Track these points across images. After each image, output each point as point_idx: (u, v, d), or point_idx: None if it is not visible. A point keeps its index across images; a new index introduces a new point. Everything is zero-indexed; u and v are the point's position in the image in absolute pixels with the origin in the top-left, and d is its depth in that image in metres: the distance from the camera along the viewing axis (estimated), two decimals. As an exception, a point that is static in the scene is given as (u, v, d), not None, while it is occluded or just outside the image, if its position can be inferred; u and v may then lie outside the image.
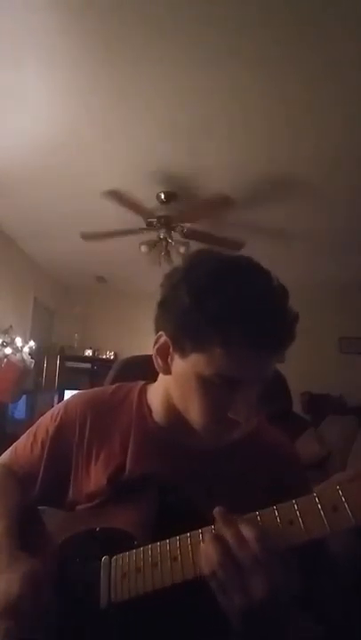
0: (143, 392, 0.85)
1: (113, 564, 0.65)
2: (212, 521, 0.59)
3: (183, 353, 0.67)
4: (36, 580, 0.64)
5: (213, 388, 0.65)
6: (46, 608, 0.63)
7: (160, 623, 0.63)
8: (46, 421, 0.88)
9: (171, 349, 0.70)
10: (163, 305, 0.69)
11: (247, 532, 0.52)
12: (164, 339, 0.70)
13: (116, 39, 2.16)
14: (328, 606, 0.72)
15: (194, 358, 0.65)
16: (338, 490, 0.50)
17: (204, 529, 0.57)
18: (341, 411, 4.65)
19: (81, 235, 3.91)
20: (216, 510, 0.56)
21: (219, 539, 0.54)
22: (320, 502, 0.50)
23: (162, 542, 0.61)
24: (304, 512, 0.52)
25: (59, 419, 0.86)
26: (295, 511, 0.52)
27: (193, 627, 0.64)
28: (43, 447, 0.85)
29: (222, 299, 0.60)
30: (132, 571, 0.62)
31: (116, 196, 3.33)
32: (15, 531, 0.75)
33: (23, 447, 0.89)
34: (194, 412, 0.69)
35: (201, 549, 0.56)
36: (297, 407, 4.95)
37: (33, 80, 2.45)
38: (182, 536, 0.60)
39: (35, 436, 0.88)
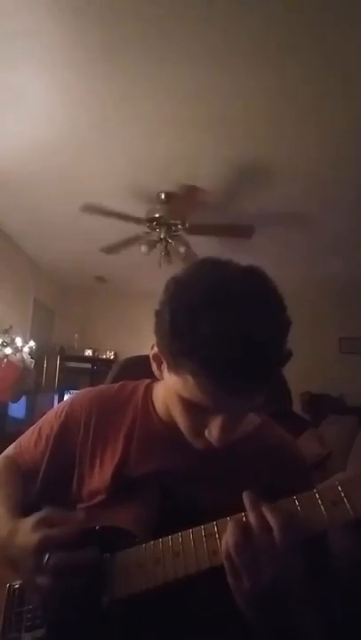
0: (149, 390, 0.85)
1: (115, 561, 0.65)
2: (212, 518, 0.59)
3: (167, 368, 0.68)
4: (49, 519, 0.67)
5: (190, 409, 0.66)
6: (76, 532, 0.65)
7: (161, 619, 0.64)
8: (51, 417, 0.88)
9: (162, 359, 0.70)
10: (156, 317, 0.67)
11: (273, 519, 0.54)
12: (156, 349, 0.71)
13: (116, 39, 2.16)
14: (330, 606, 0.72)
15: (173, 378, 0.65)
16: (338, 486, 0.52)
17: (233, 516, 0.58)
18: (341, 411, 4.64)
19: (101, 249, 3.95)
20: (245, 493, 0.57)
21: (239, 521, 0.56)
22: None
23: (164, 538, 0.61)
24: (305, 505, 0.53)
25: (64, 415, 0.86)
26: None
27: (194, 622, 0.64)
28: (47, 443, 0.86)
29: (196, 335, 0.57)
30: (133, 567, 0.62)
31: (95, 210, 3.32)
32: (20, 512, 0.77)
33: (27, 442, 0.90)
34: (178, 421, 0.71)
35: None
36: (297, 407, 4.95)
37: (32, 80, 2.45)
38: (184, 532, 0.60)
39: (39, 431, 0.89)
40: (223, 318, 0.57)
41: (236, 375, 0.57)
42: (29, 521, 0.68)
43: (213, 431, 0.64)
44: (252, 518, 0.55)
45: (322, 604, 0.70)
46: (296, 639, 0.61)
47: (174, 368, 0.63)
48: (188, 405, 0.65)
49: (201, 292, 0.60)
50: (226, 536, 0.55)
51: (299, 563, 0.54)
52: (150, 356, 0.73)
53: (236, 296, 0.59)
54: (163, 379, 0.73)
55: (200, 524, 0.59)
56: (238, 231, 3.66)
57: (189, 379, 0.61)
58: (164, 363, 0.69)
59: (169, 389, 0.69)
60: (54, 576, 0.62)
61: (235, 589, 0.55)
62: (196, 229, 3.69)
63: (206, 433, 0.65)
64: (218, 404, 0.62)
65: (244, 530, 0.55)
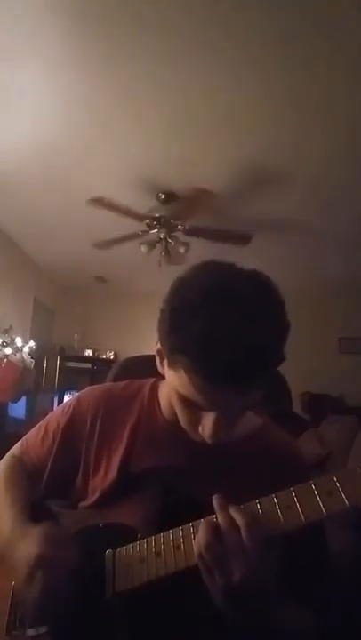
0: (154, 388, 0.86)
1: (117, 556, 0.66)
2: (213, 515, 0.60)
3: (167, 364, 0.69)
4: (52, 536, 0.67)
5: (186, 404, 0.67)
6: (69, 563, 0.65)
7: (163, 610, 0.65)
8: (58, 414, 0.89)
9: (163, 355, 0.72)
10: (160, 314, 0.69)
11: (238, 518, 0.56)
12: (159, 345, 0.72)
13: (118, 38, 2.16)
14: (327, 602, 0.73)
15: (171, 373, 0.68)
16: (333, 478, 0.53)
17: (206, 517, 0.60)
18: (341, 411, 4.64)
19: (94, 245, 3.91)
20: (215, 496, 0.59)
21: (210, 522, 0.58)
22: (316, 488, 0.54)
23: (165, 532, 0.63)
24: (301, 498, 0.55)
25: (70, 411, 0.87)
26: (293, 497, 0.55)
27: (195, 613, 0.65)
28: (54, 439, 0.86)
29: (191, 331, 0.59)
30: (135, 561, 0.64)
31: (103, 204, 3.31)
32: (27, 515, 0.77)
33: (34, 439, 0.90)
34: (178, 415, 0.72)
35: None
36: (297, 407, 4.96)
37: (34, 81, 2.45)
38: (185, 525, 0.62)
39: (46, 428, 0.89)
40: (219, 317, 0.58)
41: (226, 375, 0.58)
42: (36, 532, 0.69)
43: (205, 428, 0.65)
44: (220, 519, 0.57)
45: (320, 601, 0.71)
46: (274, 635, 0.63)
47: (171, 363, 0.66)
48: (184, 401, 0.67)
49: (201, 290, 0.62)
50: (198, 537, 0.58)
51: (272, 560, 0.56)
52: (156, 352, 0.75)
53: (234, 297, 0.60)
54: (164, 374, 0.74)
55: (202, 519, 0.61)
56: (235, 238, 3.70)
57: (183, 375, 0.63)
58: (165, 359, 0.71)
59: (169, 384, 0.71)
60: (40, 594, 0.63)
61: (210, 588, 0.57)
62: (195, 232, 3.70)
63: (200, 429, 0.67)
64: (208, 402, 0.63)
65: (214, 530, 0.57)
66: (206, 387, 0.61)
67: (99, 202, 3.31)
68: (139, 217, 3.52)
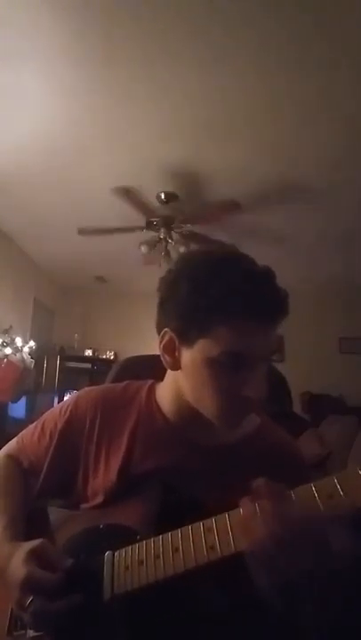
0: (152, 390, 0.86)
1: (116, 558, 0.66)
2: (212, 515, 0.60)
3: (189, 342, 0.70)
4: (39, 556, 0.67)
5: (223, 369, 0.68)
6: (60, 581, 0.65)
7: (162, 613, 0.65)
8: (55, 414, 0.89)
9: (177, 343, 0.72)
10: (163, 304, 0.71)
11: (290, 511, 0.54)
12: (168, 335, 0.72)
13: (117, 38, 2.16)
14: (327, 603, 0.72)
15: (201, 344, 0.68)
16: (333, 479, 0.52)
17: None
18: (341, 411, 4.64)
19: (78, 230, 3.87)
20: (259, 481, 0.57)
21: (265, 512, 0.54)
22: (316, 490, 0.53)
23: (164, 535, 0.62)
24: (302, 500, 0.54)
25: (68, 413, 0.86)
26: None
27: (193, 616, 0.65)
28: (51, 440, 0.86)
29: (219, 282, 0.65)
30: (134, 563, 0.63)
31: (125, 194, 3.34)
32: (19, 524, 0.77)
33: (30, 437, 0.90)
34: (208, 399, 0.71)
35: (240, 523, 0.56)
36: (297, 407, 4.96)
37: (33, 80, 2.45)
38: (183, 528, 0.61)
39: (42, 427, 0.89)
40: (236, 265, 0.68)
41: (263, 304, 0.66)
42: (23, 549, 0.68)
43: (252, 383, 0.67)
44: (274, 509, 0.54)
45: (319, 601, 0.71)
46: (274, 635, 0.64)
47: (201, 330, 0.68)
48: (220, 367, 0.67)
49: (204, 257, 0.72)
50: (249, 528, 0.54)
51: (326, 551, 0.56)
52: (162, 347, 0.74)
53: (233, 255, 0.72)
54: (179, 367, 0.74)
55: (201, 521, 0.60)
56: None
57: (220, 329, 0.66)
58: (179, 346, 0.71)
59: (193, 366, 0.70)
60: (33, 620, 0.63)
61: (257, 580, 0.56)
62: (191, 237, 3.75)
63: (243, 391, 0.67)
64: (250, 341, 0.67)
65: (268, 522, 0.54)
66: (252, 324, 0.66)
67: (122, 192, 3.37)
68: (133, 229, 3.60)
